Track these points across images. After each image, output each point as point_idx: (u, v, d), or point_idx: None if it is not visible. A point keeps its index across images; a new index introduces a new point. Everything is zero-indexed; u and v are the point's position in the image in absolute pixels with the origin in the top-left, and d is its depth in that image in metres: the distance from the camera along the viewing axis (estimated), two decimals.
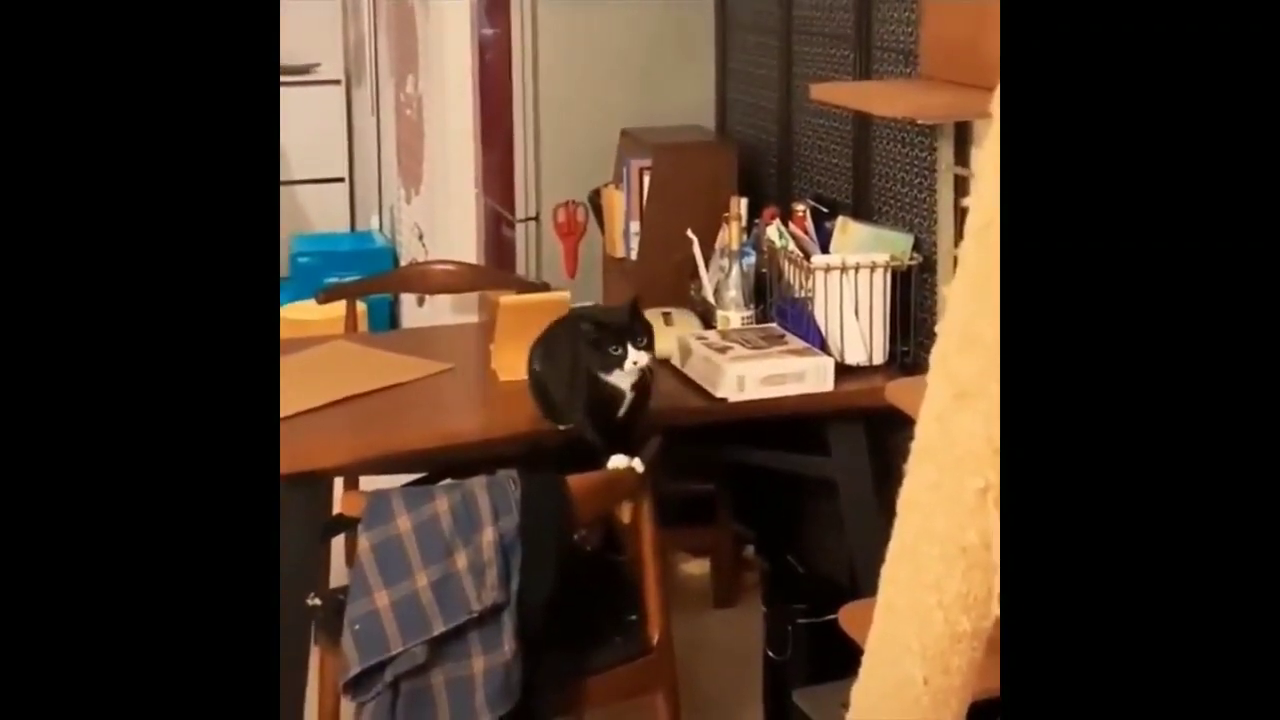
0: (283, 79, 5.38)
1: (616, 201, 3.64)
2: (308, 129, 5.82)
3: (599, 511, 2.41)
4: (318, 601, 2.45)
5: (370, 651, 2.13)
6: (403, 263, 5.46)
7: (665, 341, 2.77)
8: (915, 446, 1.05)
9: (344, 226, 6.09)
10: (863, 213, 3.10)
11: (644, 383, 2.40)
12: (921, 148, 2.90)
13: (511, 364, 2.69)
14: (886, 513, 1.10)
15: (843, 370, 2.76)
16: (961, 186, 2.77)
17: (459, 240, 4.41)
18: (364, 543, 2.16)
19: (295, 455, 2.32)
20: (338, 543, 3.10)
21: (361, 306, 3.92)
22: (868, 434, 2.80)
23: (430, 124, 4.73)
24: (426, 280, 3.68)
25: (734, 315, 2.99)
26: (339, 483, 2.76)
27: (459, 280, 3.59)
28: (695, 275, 3.18)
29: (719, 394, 2.67)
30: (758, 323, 3.00)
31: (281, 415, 2.39)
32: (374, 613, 2.13)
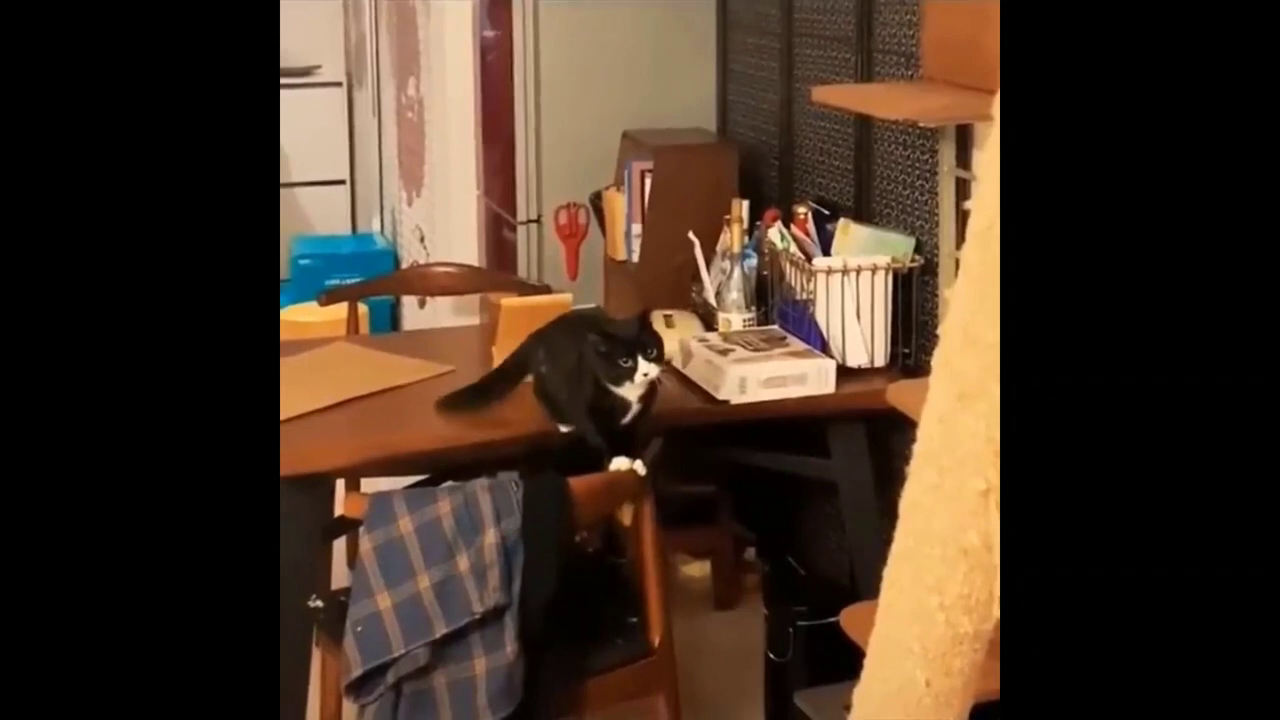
0: (283, 81, 5.38)
1: (618, 203, 3.64)
2: (309, 131, 5.82)
3: (600, 513, 2.41)
4: (320, 603, 2.45)
5: (372, 653, 2.13)
6: (404, 265, 5.46)
7: (667, 343, 2.76)
8: (917, 448, 1.05)
9: (345, 228, 6.09)
10: (864, 215, 3.10)
11: (650, 393, 2.40)
12: (923, 150, 2.90)
13: None
14: (887, 515, 1.10)
15: (844, 372, 2.77)
16: (963, 189, 2.77)
17: (460, 242, 4.40)
18: (366, 544, 2.16)
19: (297, 457, 2.32)
20: (339, 544, 3.10)
21: (363, 308, 3.92)
22: (869, 436, 2.80)
23: (431, 126, 4.73)
24: (428, 282, 3.67)
25: (735, 317, 3.00)
26: (341, 484, 2.76)
27: (460, 282, 3.58)
28: (697, 277, 3.19)
29: (720, 396, 2.68)
30: (759, 325, 3.00)
31: (283, 417, 2.39)
32: (376, 614, 2.13)
